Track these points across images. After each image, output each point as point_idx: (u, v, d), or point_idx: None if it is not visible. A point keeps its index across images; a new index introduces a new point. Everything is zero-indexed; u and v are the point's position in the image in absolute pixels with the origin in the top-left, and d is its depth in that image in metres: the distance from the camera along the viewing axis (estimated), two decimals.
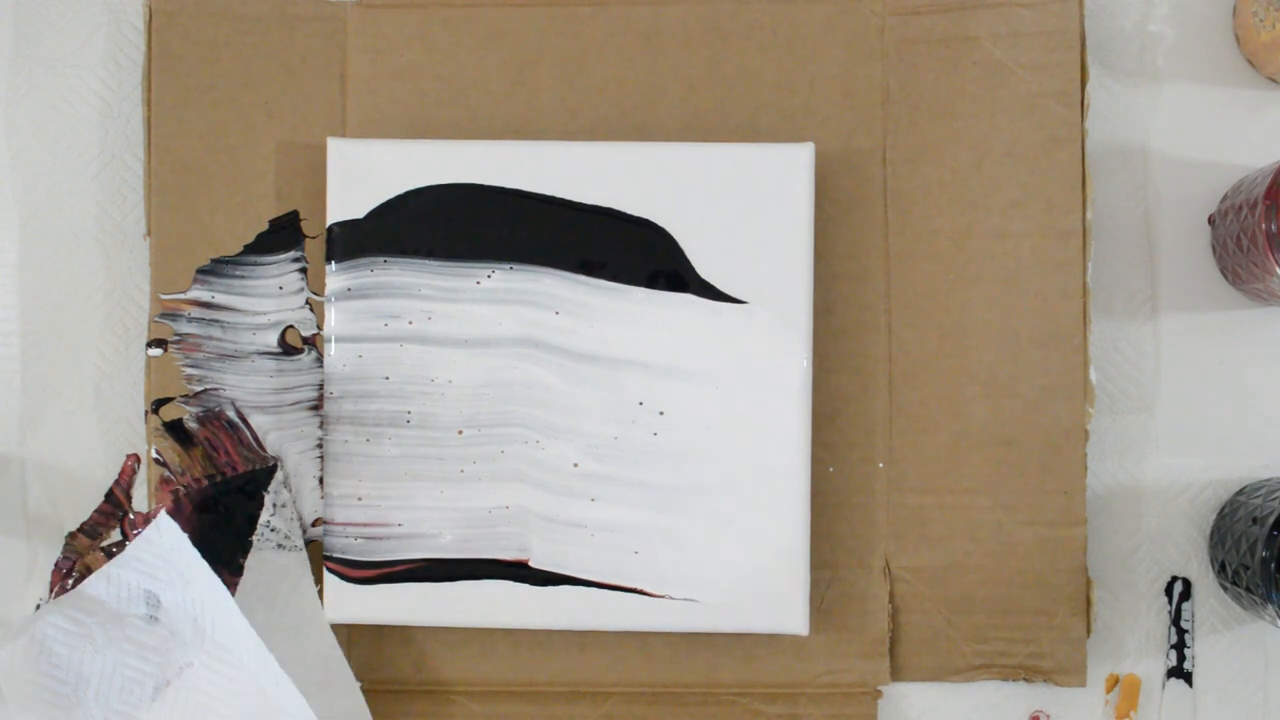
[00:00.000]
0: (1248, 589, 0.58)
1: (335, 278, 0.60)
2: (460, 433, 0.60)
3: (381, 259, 0.60)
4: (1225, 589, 0.61)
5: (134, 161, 0.63)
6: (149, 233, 0.62)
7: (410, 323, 0.60)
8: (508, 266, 0.60)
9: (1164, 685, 0.62)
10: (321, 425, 0.61)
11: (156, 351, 0.62)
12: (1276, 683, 0.62)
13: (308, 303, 0.62)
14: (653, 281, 0.59)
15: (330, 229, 0.60)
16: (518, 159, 0.60)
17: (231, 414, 0.62)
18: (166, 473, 0.62)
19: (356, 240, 0.60)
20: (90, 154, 0.64)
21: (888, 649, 0.61)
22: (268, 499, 0.61)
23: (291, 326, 0.62)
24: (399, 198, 0.60)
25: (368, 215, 0.60)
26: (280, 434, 0.62)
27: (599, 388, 0.59)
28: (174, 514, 0.60)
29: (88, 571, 0.60)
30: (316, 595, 0.60)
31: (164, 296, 0.62)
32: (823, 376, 0.61)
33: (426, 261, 0.60)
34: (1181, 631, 0.62)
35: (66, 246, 0.64)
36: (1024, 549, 0.61)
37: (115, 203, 0.64)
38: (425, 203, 0.60)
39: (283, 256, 0.62)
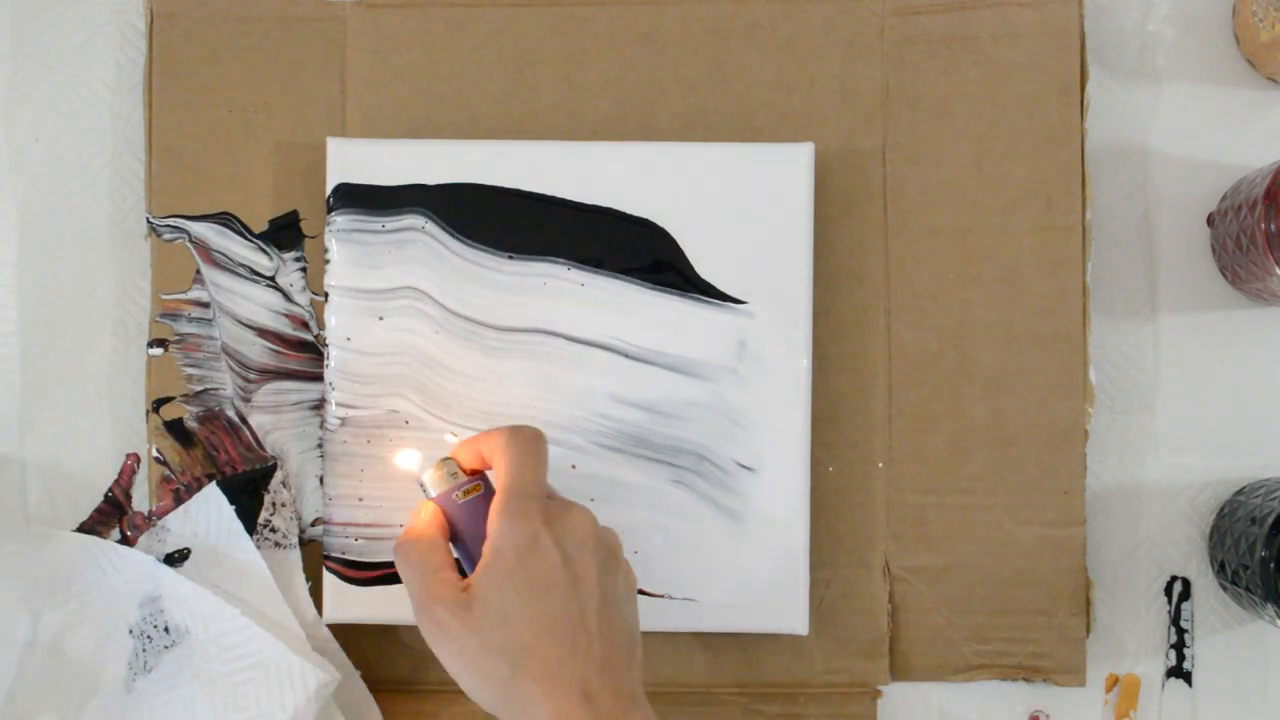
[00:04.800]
0: (1247, 589, 0.58)
1: (337, 270, 0.60)
2: (454, 435, 0.60)
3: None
4: (1225, 589, 0.61)
5: (134, 162, 0.63)
6: (149, 233, 0.62)
7: (413, 326, 0.60)
8: (507, 260, 0.60)
9: (1164, 685, 0.62)
10: (322, 425, 0.61)
11: (157, 351, 0.62)
12: (1276, 683, 0.62)
13: (309, 303, 0.62)
14: (652, 281, 0.59)
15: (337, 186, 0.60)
16: (518, 159, 0.60)
17: (231, 414, 0.62)
18: (167, 472, 0.62)
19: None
20: (91, 154, 0.64)
21: (888, 649, 0.61)
22: (267, 499, 0.61)
23: (305, 324, 0.62)
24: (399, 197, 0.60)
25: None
26: (281, 434, 0.62)
27: (597, 389, 0.59)
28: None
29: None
30: (307, 591, 0.60)
31: (164, 296, 0.62)
32: (823, 376, 0.61)
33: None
34: (1181, 631, 0.62)
35: (67, 246, 0.64)
36: (1024, 549, 0.61)
37: (115, 203, 0.64)
38: (424, 203, 0.59)
39: (283, 256, 0.62)
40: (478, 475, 0.54)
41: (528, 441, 0.53)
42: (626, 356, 0.59)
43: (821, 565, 0.61)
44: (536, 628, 0.49)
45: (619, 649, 0.50)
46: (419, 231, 0.59)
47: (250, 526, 0.60)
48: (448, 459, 0.54)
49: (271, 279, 0.62)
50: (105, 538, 0.62)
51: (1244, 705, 0.62)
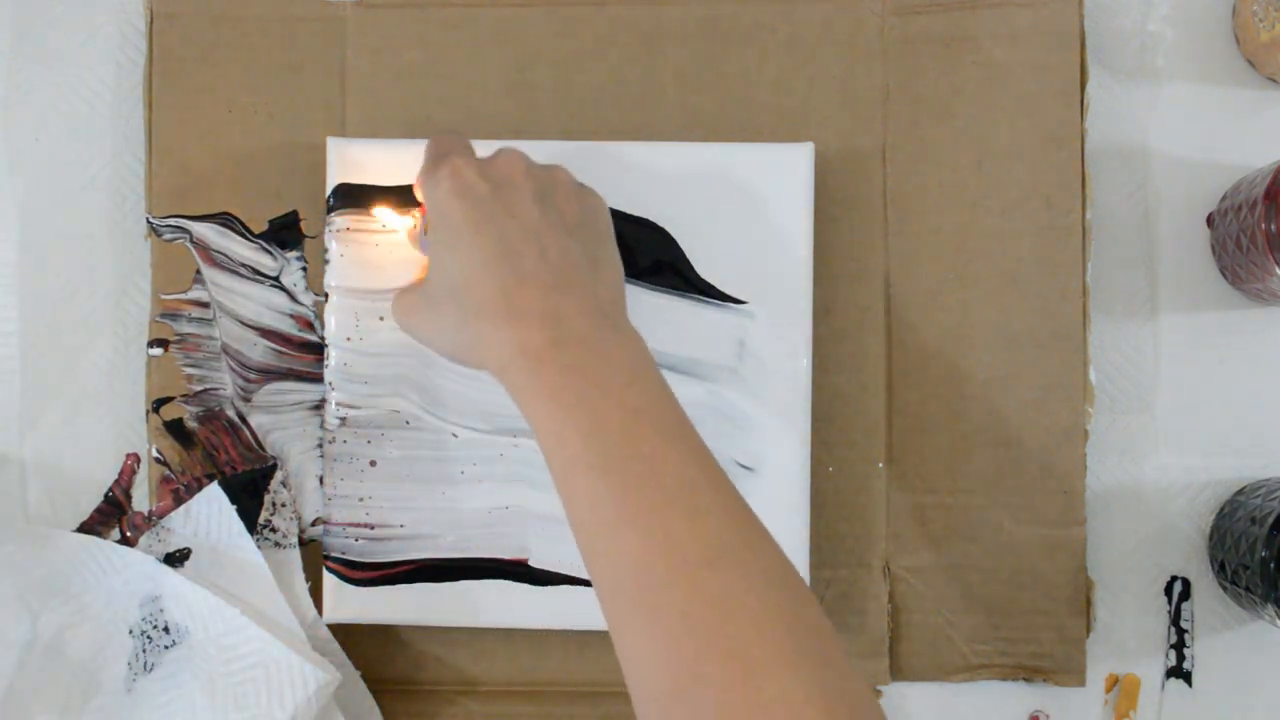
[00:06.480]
0: (1247, 589, 0.58)
1: (337, 270, 0.60)
2: (455, 435, 0.59)
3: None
4: (1225, 589, 0.61)
5: (134, 162, 0.63)
6: (149, 233, 0.62)
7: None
8: None
9: (1164, 685, 0.62)
10: (322, 425, 0.61)
11: (157, 351, 0.62)
12: (1276, 683, 0.62)
13: (313, 303, 0.62)
14: (652, 281, 0.59)
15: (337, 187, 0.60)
16: None
17: (231, 414, 0.62)
18: (167, 472, 0.62)
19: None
20: (91, 154, 0.64)
21: (888, 649, 0.61)
22: (267, 499, 0.61)
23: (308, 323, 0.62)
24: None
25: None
26: (281, 434, 0.62)
27: None
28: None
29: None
30: (307, 591, 0.60)
31: (164, 296, 0.62)
32: (823, 376, 0.61)
33: None
34: (1181, 631, 0.62)
35: (67, 246, 0.64)
36: (1024, 549, 0.61)
37: (115, 203, 0.64)
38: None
39: (286, 256, 0.62)
40: None
41: (438, 133, 0.54)
42: None
43: (821, 565, 0.61)
44: (473, 265, 0.47)
45: (576, 271, 0.48)
46: None
47: (250, 526, 0.60)
48: (410, 220, 0.58)
49: (276, 279, 0.62)
50: (105, 538, 0.62)
51: (1244, 705, 0.62)
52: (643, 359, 0.47)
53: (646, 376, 0.46)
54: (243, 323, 0.62)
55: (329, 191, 0.60)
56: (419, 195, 0.55)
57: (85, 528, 0.62)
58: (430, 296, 0.50)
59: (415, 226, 0.58)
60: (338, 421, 0.60)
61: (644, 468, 0.43)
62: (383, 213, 0.59)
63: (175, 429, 0.62)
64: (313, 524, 0.62)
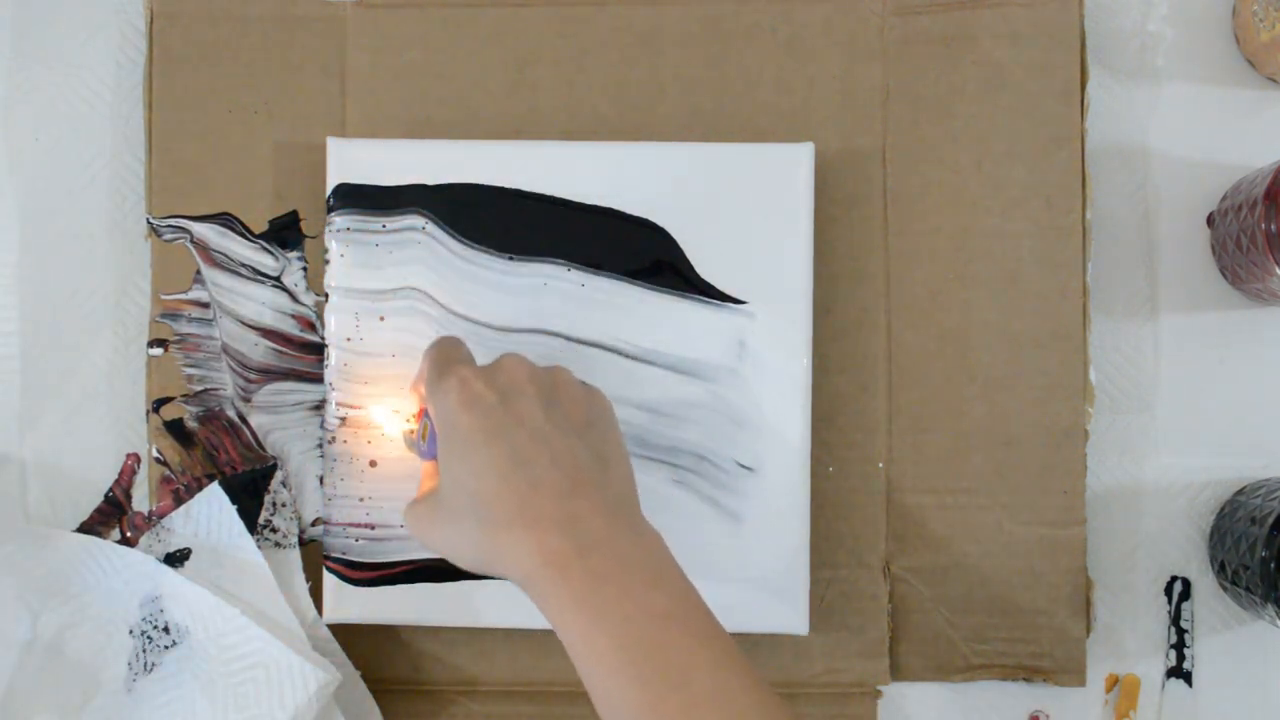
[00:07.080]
0: (1247, 589, 0.58)
1: (337, 271, 0.60)
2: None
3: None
4: (1225, 589, 0.61)
5: (134, 162, 0.64)
6: (149, 233, 0.62)
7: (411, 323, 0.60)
8: (507, 261, 0.60)
9: (1164, 685, 0.62)
10: (323, 425, 0.61)
11: (157, 351, 0.62)
12: (1276, 683, 0.62)
13: (314, 304, 0.62)
14: (652, 281, 0.59)
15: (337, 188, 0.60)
16: (518, 159, 0.60)
17: (232, 414, 0.62)
18: (167, 472, 0.62)
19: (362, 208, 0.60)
20: (91, 154, 0.64)
21: (888, 649, 0.61)
22: (267, 499, 0.61)
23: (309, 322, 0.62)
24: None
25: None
26: (281, 434, 0.62)
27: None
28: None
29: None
30: (307, 591, 0.60)
31: (165, 296, 0.62)
32: (823, 376, 0.61)
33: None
34: (1181, 631, 0.62)
35: (67, 246, 0.64)
36: (1024, 549, 0.61)
37: (116, 203, 0.64)
38: (424, 203, 0.59)
39: (287, 256, 0.62)
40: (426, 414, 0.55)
41: (439, 340, 0.54)
42: (626, 357, 0.59)
43: (821, 565, 0.61)
44: (491, 477, 0.48)
45: (585, 473, 0.48)
46: (419, 232, 0.59)
47: (250, 526, 0.60)
48: (405, 424, 0.58)
49: (277, 279, 0.62)
50: (105, 538, 0.62)
51: (1244, 705, 0.62)
52: (663, 558, 0.48)
53: (670, 577, 0.47)
54: (243, 323, 0.62)
55: (329, 191, 0.60)
56: (417, 400, 0.56)
57: (85, 528, 0.62)
58: (445, 508, 0.50)
59: (412, 431, 0.57)
60: (338, 421, 0.60)
61: (677, 675, 0.44)
62: (379, 412, 0.59)
63: (175, 429, 0.62)
64: (313, 524, 0.62)
